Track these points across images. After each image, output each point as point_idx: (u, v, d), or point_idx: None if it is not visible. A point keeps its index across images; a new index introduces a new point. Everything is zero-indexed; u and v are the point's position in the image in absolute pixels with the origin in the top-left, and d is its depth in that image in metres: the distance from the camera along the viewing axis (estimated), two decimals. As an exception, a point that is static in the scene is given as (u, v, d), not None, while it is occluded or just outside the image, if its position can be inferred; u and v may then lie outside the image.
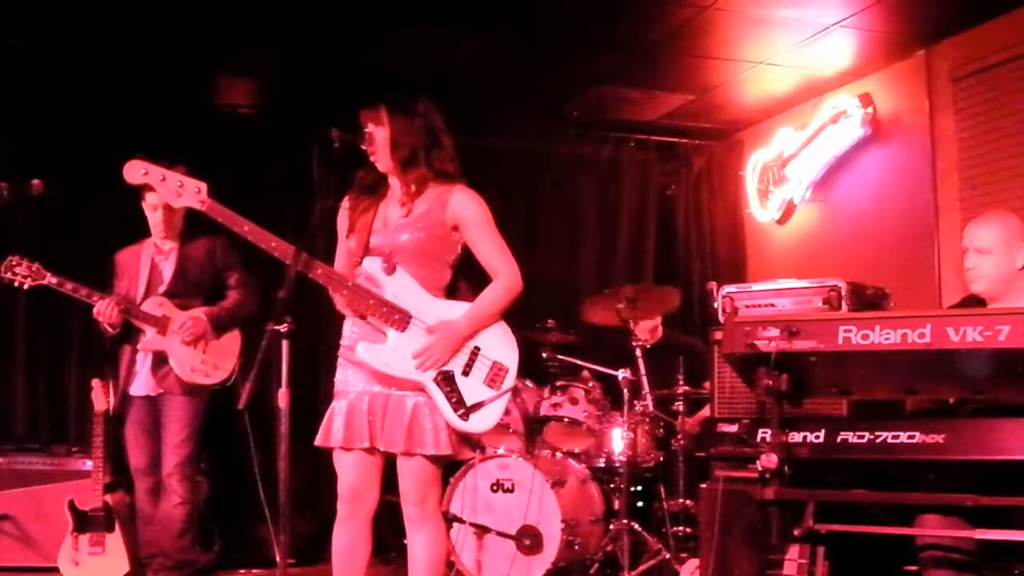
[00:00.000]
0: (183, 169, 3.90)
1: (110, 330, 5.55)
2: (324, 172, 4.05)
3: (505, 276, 4.04)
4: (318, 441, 4.05)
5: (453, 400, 3.91)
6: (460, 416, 3.91)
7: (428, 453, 3.88)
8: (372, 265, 3.96)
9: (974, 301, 4.15)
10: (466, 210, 4.04)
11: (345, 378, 4.05)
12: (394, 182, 4.10)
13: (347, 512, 4.03)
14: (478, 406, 3.94)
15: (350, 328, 4.07)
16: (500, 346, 4.05)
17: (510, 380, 4.04)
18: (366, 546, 4.05)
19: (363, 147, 4.05)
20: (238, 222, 3.85)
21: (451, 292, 4.10)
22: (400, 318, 3.92)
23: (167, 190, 3.79)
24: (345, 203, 4.17)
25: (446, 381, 3.92)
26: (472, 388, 3.96)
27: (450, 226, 4.04)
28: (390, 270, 3.93)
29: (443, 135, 4.10)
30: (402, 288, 3.95)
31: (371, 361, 3.89)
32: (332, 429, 3.99)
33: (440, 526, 4.07)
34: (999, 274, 4.02)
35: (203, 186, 3.82)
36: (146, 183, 3.81)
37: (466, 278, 4.18)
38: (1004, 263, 4.01)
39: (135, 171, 3.79)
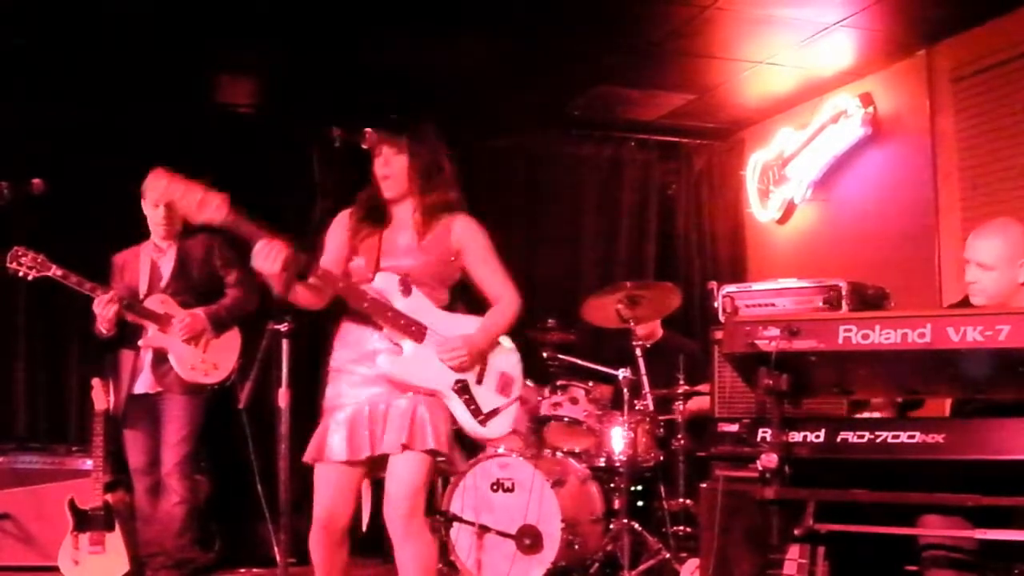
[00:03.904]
0: (206, 182, 3.85)
1: (104, 331, 5.54)
2: (325, 171, 4.08)
3: (510, 300, 4.19)
4: (310, 456, 4.03)
5: (472, 407, 4.04)
6: (480, 422, 4.04)
7: (428, 447, 3.91)
8: (387, 282, 4.02)
9: (973, 304, 4.15)
10: (469, 238, 4.19)
11: (338, 392, 4.07)
12: (400, 210, 4.15)
13: (322, 533, 4.02)
14: (494, 413, 4.09)
15: (340, 350, 4.12)
16: (504, 357, 4.21)
17: (518, 388, 4.22)
18: (345, 552, 4.08)
19: (364, 146, 4.09)
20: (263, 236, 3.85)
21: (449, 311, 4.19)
22: (417, 330, 3.99)
23: (188, 204, 3.77)
24: (343, 219, 4.18)
25: (463, 390, 4.04)
26: (486, 396, 4.10)
27: (453, 252, 4.16)
28: (407, 292, 4.02)
29: (446, 162, 4.22)
30: (417, 305, 4.03)
31: (393, 371, 3.96)
32: (330, 444, 3.99)
33: (427, 537, 4.06)
34: (1000, 290, 4.02)
35: (224, 199, 3.79)
36: (167, 195, 3.81)
37: (460, 297, 4.27)
38: (1006, 279, 4.01)
39: (157, 183, 3.79)
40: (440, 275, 4.14)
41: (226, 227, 3.83)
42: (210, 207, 3.77)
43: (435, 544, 4.20)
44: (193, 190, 3.76)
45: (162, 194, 3.81)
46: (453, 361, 4.01)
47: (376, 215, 4.16)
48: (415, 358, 3.99)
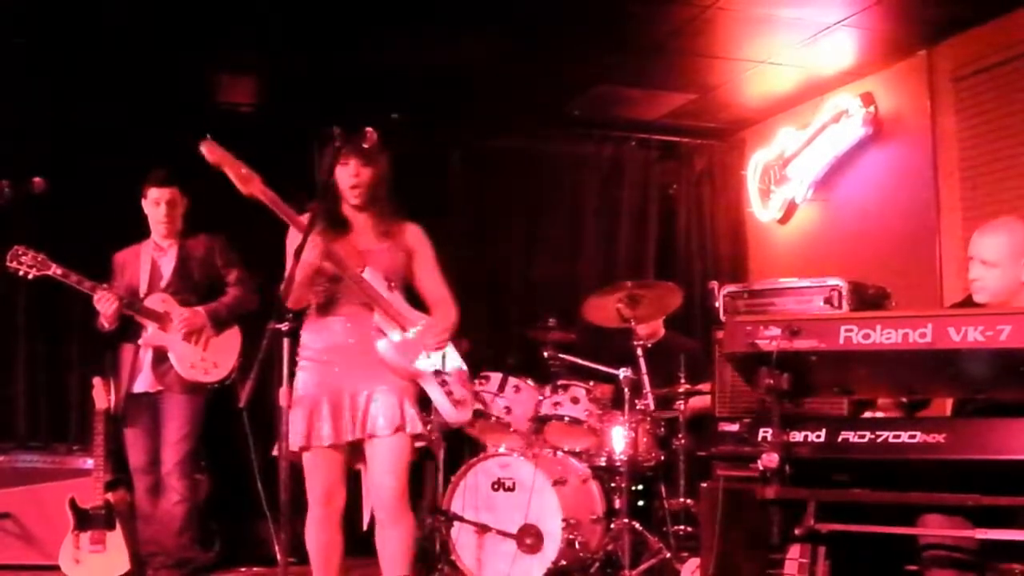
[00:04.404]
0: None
1: (106, 325, 5.54)
2: (324, 169, 4.15)
3: (454, 307, 4.57)
4: (298, 444, 4.21)
5: (447, 392, 4.42)
6: (453, 406, 4.43)
7: (417, 431, 4.30)
8: (376, 278, 4.33)
9: (975, 304, 4.14)
10: (422, 243, 4.58)
11: (314, 380, 4.30)
12: (361, 217, 4.43)
13: (323, 515, 4.30)
14: (462, 401, 4.49)
15: (313, 339, 4.35)
16: (457, 355, 4.60)
17: (469, 384, 4.73)
18: (341, 545, 4.35)
19: (364, 146, 4.18)
20: (296, 220, 4.14)
21: None
22: (402, 320, 4.31)
23: (237, 174, 4.03)
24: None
25: (438, 376, 4.41)
26: (454, 385, 4.49)
27: (409, 255, 4.52)
28: (391, 288, 4.38)
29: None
30: (397, 299, 4.41)
31: (390, 356, 4.27)
32: (315, 429, 4.22)
33: (412, 517, 4.40)
34: (1003, 287, 4.01)
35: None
36: (222, 161, 4.02)
37: None
38: (1009, 276, 4.00)
39: (213, 147, 4.03)
40: (401, 276, 4.49)
41: (266, 203, 4.08)
42: (254, 182, 4.05)
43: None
44: (240, 164, 4.05)
45: (218, 158, 4.03)
46: (437, 343, 4.38)
47: (336, 223, 4.36)
48: (404, 345, 4.31)
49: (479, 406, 5.95)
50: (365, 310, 4.30)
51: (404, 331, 4.32)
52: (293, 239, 4.16)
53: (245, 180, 4.04)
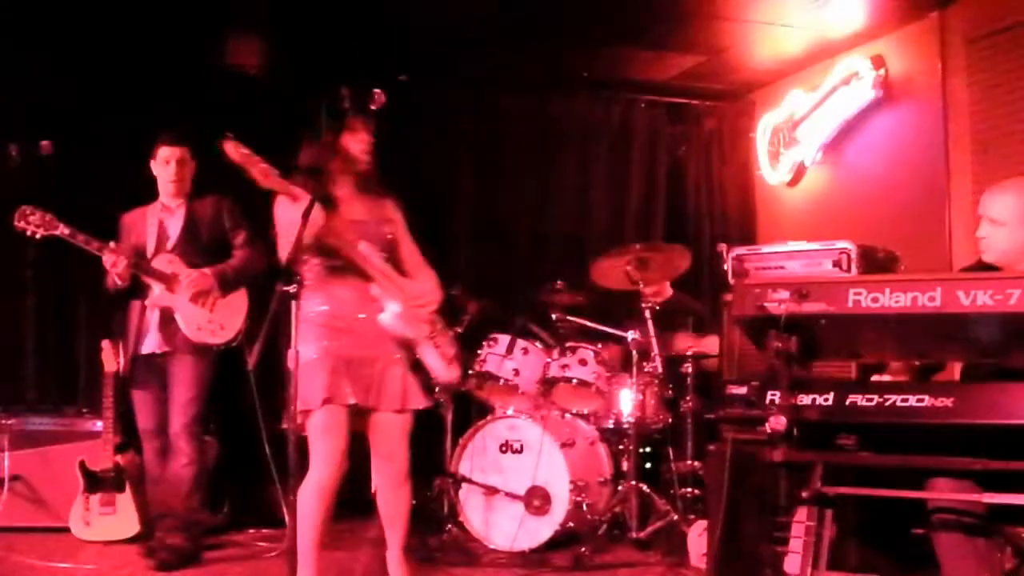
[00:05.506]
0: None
1: (119, 282, 5.52)
2: (332, 131, 4.13)
3: (432, 271, 4.67)
4: (320, 398, 4.23)
5: (441, 353, 4.54)
6: (447, 365, 4.56)
7: (421, 406, 4.48)
8: (371, 250, 4.40)
9: (986, 266, 4.13)
10: (398, 212, 4.64)
11: (324, 344, 4.32)
12: (345, 187, 4.46)
13: (330, 476, 4.28)
14: (452, 360, 4.63)
15: (315, 304, 4.34)
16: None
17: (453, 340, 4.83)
18: (333, 511, 4.36)
19: (372, 108, 4.19)
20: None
21: None
22: (398, 290, 4.45)
23: (259, 171, 4.11)
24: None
25: (432, 339, 4.53)
26: (445, 346, 4.61)
27: (392, 224, 4.59)
28: (384, 259, 4.46)
29: None
30: (389, 271, 4.49)
31: (395, 326, 4.38)
32: (338, 386, 4.26)
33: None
34: (1011, 247, 3.99)
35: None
36: (246, 161, 4.10)
37: None
38: (1017, 236, 3.98)
39: (238, 148, 4.10)
40: (390, 245, 4.54)
41: (282, 193, 4.20)
42: (271, 176, 4.13)
43: None
44: (259, 160, 4.12)
45: (240, 157, 4.09)
46: (430, 306, 4.54)
47: (325, 196, 4.33)
48: (405, 315, 4.40)
49: (488, 368, 6.00)
50: (364, 281, 4.37)
51: (401, 301, 4.40)
52: (281, 205, 4.26)
53: (264, 174, 4.10)
